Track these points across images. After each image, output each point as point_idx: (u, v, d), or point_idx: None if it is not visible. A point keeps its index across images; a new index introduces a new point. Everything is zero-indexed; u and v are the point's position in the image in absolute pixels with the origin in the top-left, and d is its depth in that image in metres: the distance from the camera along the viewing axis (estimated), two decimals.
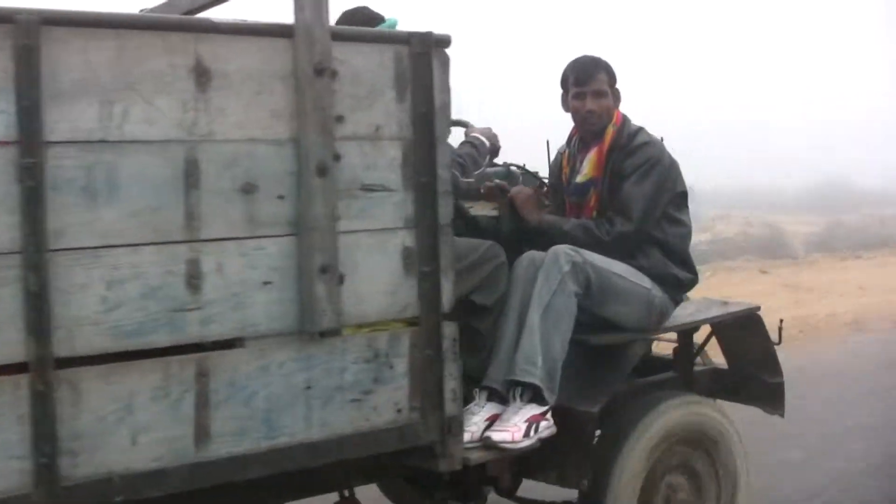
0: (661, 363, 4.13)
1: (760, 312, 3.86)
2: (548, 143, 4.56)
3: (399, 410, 2.73)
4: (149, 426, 2.31)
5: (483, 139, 3.66)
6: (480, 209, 3.48)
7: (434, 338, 2.76)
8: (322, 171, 2.49)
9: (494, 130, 4.08)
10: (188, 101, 2.33)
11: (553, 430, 3.10)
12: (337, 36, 2.56)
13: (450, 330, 2.81)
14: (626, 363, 3.40)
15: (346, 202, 2.59)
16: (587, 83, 3.43)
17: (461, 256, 3.11)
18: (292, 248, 2.49)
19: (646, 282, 3.42)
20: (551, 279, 3.14)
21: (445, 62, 2.78)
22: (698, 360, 4.17)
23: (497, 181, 3.52)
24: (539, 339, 3.08)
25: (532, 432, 3.02)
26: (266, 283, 2.46)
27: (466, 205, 3.52)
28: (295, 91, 2.47)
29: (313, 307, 2.50)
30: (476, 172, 3.70)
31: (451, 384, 2.82)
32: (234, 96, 2.39)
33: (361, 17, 3.56)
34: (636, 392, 3.70)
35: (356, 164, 2.61)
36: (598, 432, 3.42)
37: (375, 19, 3.56)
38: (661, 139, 3.56)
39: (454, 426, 2.84)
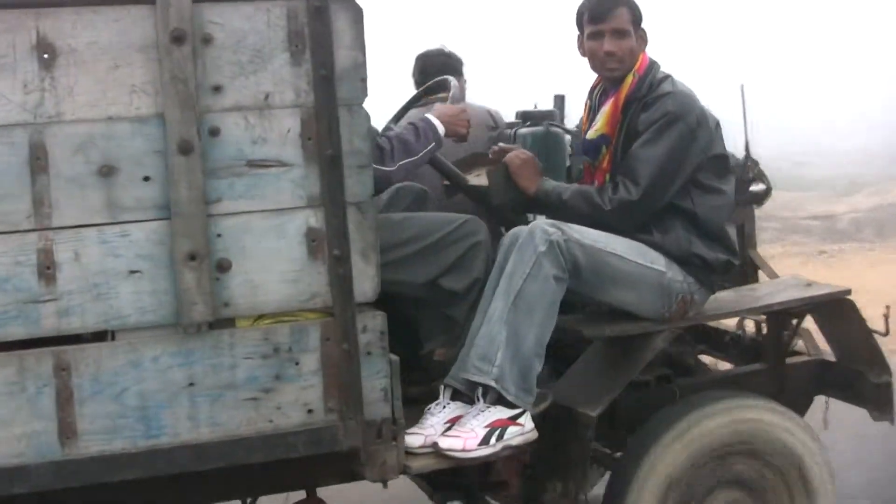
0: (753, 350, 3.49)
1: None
2: (562, 98, 4.02)
3: (310, 411, 2.46)
4: (6, 421, 2.25)
5: (434, 121, 2.96)
6: (479, 178, 3.08)
7: (351, 330, 2.45)
8: (185, 149, 2.27)
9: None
10: (31, 81, 2.21)
11: (528, 437, 2.66)
12: None
13: (374, 321, 2.49)
14: (638, 359, 2.86)
15: (229, 181, 2.35)
16: (604, 20, 2.88)
17: (425, 234, 2.78)
18: (163, 235, 2.31)
19: (659, 262, 2.84)
20: (524, 261, 2.67)
21: (356, 15, 2.44)
22: (801, 346, 3.47)
23: (501, 145, 3.08)
24: (501, 332, 2.63)
25: (494, 440, 2.61)
26: (133, 271, 2.30)
27: (473, 173, 3.14)
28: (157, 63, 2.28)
29: (181, 298, 2.31)
30: (495, 133, 3.28)
31: (380, 382, 2.50)
32: (86, 73, 2.24)
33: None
34: (683, 392, 3.14)
35: (240, 137, 2.36)
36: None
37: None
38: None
39: (386, 430, 2.52)
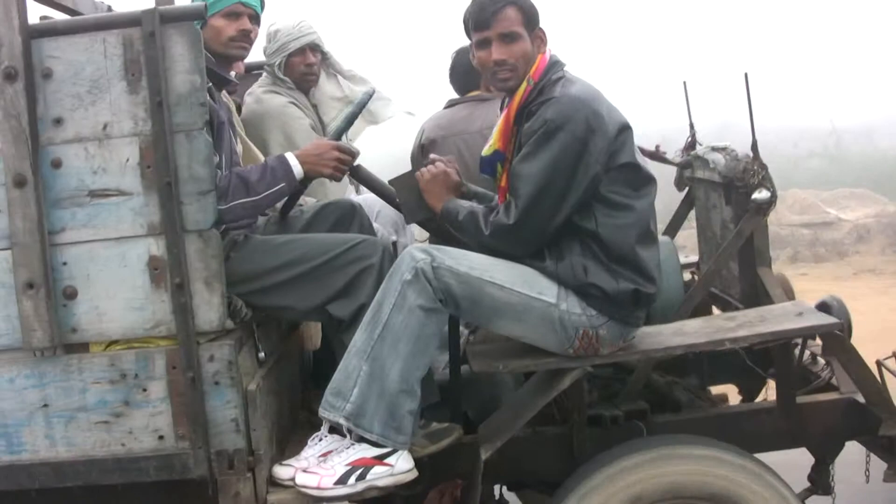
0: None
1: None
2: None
3: (161, 437, 2.50)
4: None
5: (291, 162, 2.73)
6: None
7: (195, 359, 2.46)
8: (19, 182, 2.38)
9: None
10: None
11: (400, 478, 2.51)
12: (46, 31, 2.41)
13: (222, 351, 2.47)
14: (539, 398, 2.57)
15: (72, 211, 2.44)
16: (489, 25, 2.55)
17: (310, 257, 2.69)
18: (9, 264, 2.45)
19: (549, 293, 2.51)
20: (391, 290, 2.48)
21: (194, 38, 2.41)
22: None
23: (433, 156, 2.87)
24: (361, 367, 2.47)
25: (353, 479, 2.48)
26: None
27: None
28: None
29: (23, 324, 2.43)
30: None
31: (230, 412, 2.49)
32: None
33: None
34: (653, 430, 2.81)
35: (81, 168, 2.43)
36: None
37: None
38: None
39: (239, 461, 2.51)
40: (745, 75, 3.37)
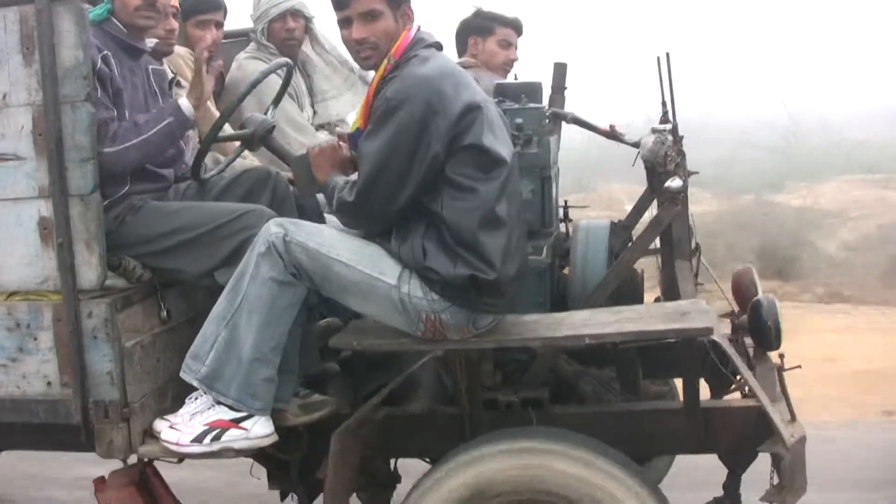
0: None
1: None
2: (563, 67, 3.59)
3: (49, 384, 2.75)
4: None
5: (181, 101, 2.91)
6: None
7: (73, 314, 2.69)
8: None
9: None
10: None
11: (255, 442, 2.65)
12: None
13: (99, 308, 2.69)
14: (383, 379, 2.62)
15: None
16: (349, 4, 2.57)
17: (199, 224, 2.85)
18: None
19: (391, 274, 2.54)
20: (249, 261, 2.60)
21: (79, 15, 2.61)
22: None
23: (338, 130, 2.94)
24: (219, 333, 2.60)
25: (209, 439, 2.64)
26: None
27: None
28: None
29: None
30: None
31: (106, 366, 2.70)
32: None
33: None
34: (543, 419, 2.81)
35: None
36: None
37: None
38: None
39: (113, 411, 2.72)
40: (668, 55, 3.26)
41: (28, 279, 2.73)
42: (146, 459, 2.92)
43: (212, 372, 2.65)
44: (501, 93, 3.49)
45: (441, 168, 2.51)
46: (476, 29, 4.24)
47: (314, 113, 4.13)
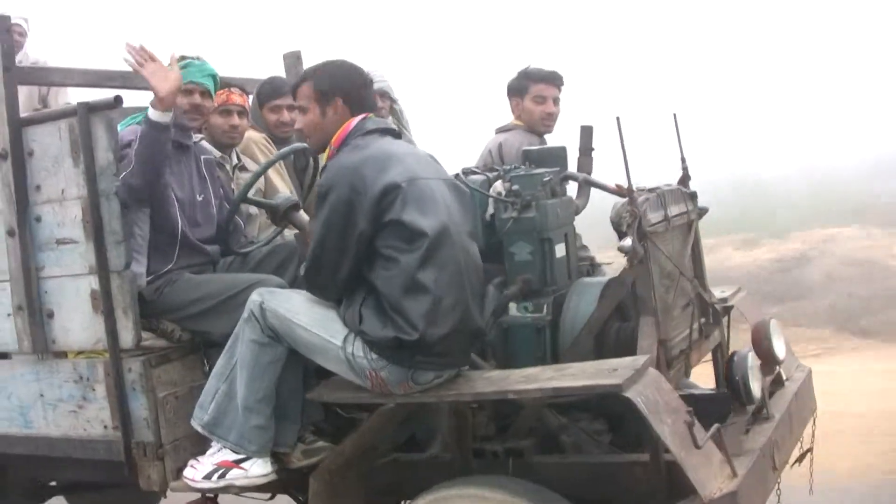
0: None
1: None
2: (590, 130, 3.75)
3: (105, 427, 3.36)
4: None
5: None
6: None
7: (117, 370, 3.28)
8: (11, 233, 3.38)
9: None
10: None
11: (254, 480, 3.08)
12: (28, 122, 3.37)
13: (135, 364, 3.26)
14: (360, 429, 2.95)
15: (47, 254, 3.39)
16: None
17: (217, 293, 3.35)
18: None
19: (339, 336, 2.87)
20: (239, 326, 3.06)
21: (109, 124, 3.22)
22: None
23: None
24: (219, 385, 3.06)
25: (216, 477, 3.10)
26: (9, 314, 3.50)
27: None
28: None
29: (17, 338, 3.44)
30: None
31: (144, 413, 3.27)
32: None
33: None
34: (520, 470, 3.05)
35: (51, 222, 3.36)
36: None
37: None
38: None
39: (150, 451, 3.28)
40: (674, 115, 3.36)
41: (86, 340, 3.37)
42: (211, 495, 3.46)
43: (213, 419, 3.13)
44: (527, 158, 3.76)
45: (371, 242, 2.85)
46: (515, 90, 4.47)
47: None
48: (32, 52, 5.69)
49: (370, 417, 3.03)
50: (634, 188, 3.48)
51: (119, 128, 3.48)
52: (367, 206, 2.83)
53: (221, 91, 3.91)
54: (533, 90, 4.47)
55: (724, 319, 3.72)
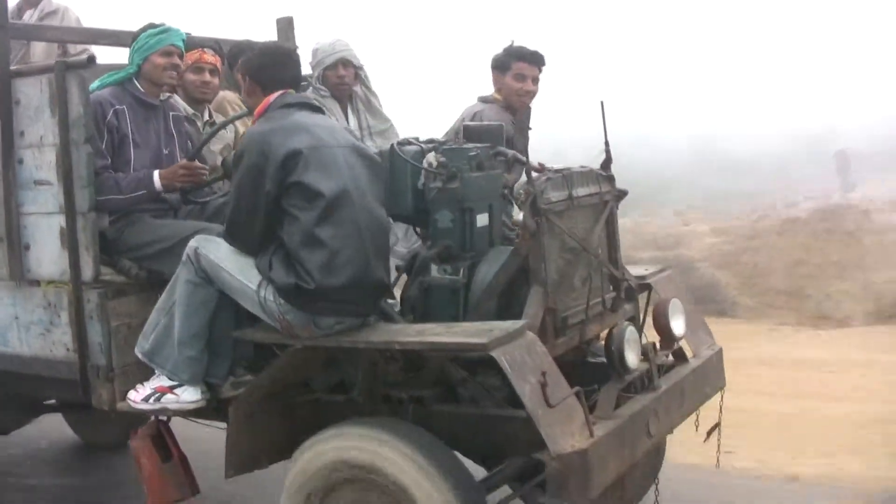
0: None
1: None
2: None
3: (68, 350, 3.83)
4: None
5: (154, 177, 3.86)
6: None
7: (77, 300, 3.74)
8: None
9: None
10: None
11: (184, 405, 3.53)
12: (17, 74, 3.82)
13: (92, 295, 3.71)
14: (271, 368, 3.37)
15: (26, 193, 3.85)
16: None
17: (170, 236, 3.78)
18: None
19: (254, 281, 3.29)
20: (179, 266, 3.49)
21: (82, 81, 3.65)
22: None
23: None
24: (160, 319, 3.51)
25: (152, 400, 3.55)
26: None
27: None
28: None
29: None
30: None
31: (97, 339, 3.73)
32: None
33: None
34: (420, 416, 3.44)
35: (31, 165, 3.82)
36: None
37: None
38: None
39: (102, 373, 3.74)
40: (601, 103, 3.66)
41: (54, 272, 3.83)
42: (164, 418, 3.93)
43: (152, 349, 3.58)
44: (465, 133, 4.10)
45: (278, 202, 3.25)
46: (498, 65, 4.79)
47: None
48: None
49: (280, 357, 3.43)
50: (548, 167, 3.82)
51: (97, 83, 3.93)
52: (272, 170, 3.23)
53: (195, 50, 4.34)
54: (515, 67, 4.79)
55: (643, 296, 4.05)
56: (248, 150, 3.28)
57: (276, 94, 3.45)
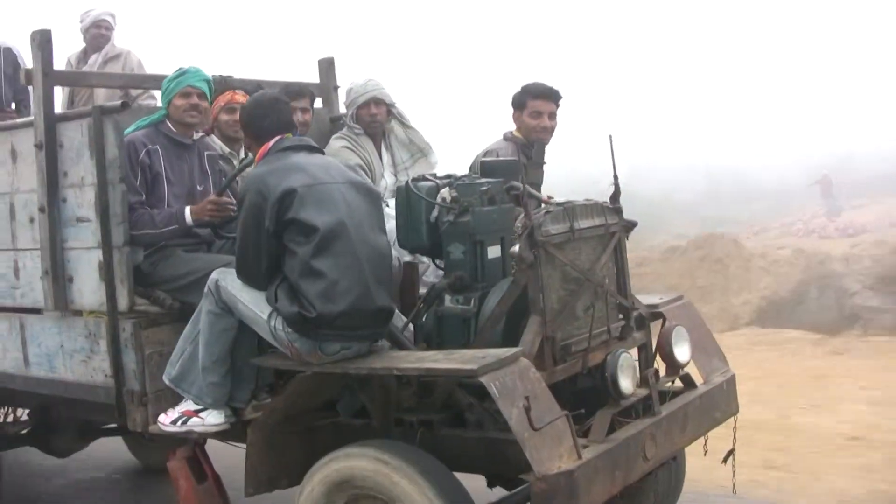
0: None
1: None
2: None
3: (106, 375, 4.12)
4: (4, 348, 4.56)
5: (185, 212, 4.15)
6: None
7: (114, 329, 4.02)
8: (42, 210, 4.18)
9: None
10: (8, 171, 4.41)
11: (209, 428, 3.76)
12: (61, 118, 4.16)
13: (127, 325, 4.00)
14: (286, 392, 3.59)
15: (70, 230, 4.16)
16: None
17: (199, 269, 4.04)
18: None
19: (265, 312, 3.51)
20: (203, 297, 3.75)
21: (116, 125, 3.96)
22: None
23: None
24: (186, 347, 3.76)
25: (180, 423, 3.79)
26: (40, 277, 4.32)
27: None
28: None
29: (45, 297, 4.25)
30: None
31: (132, 365, 4.01)
32: (27, 167, 4.32)
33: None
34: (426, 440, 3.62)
35: (73, 203, 4.14)
36: None
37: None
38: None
39: (136, 397, 4.01)
40: (610, 137, 3.81)
41: (94, 302, 4.13)
42: (201, 441, 4.20)
43: (179, 375, 3.83)
44: (482, 168, 4.29)
45: (280, 238, 3.49)
46: (516, 103, 4.94)
47: (395, 179, 5.16)
48: (118, 43, 6.60)
49: (291, 382, 3.65)
50: (554, 200, 3.98)
51: (133, 126, 4.24)
52: (270, 208, 3.48)
53: (228, 92, 4.64)
54: (530, 105, 4.93)
55: (655, 324, 4.16)
56: (249, 192, 3.55)
57: (273, 140, 3.73)
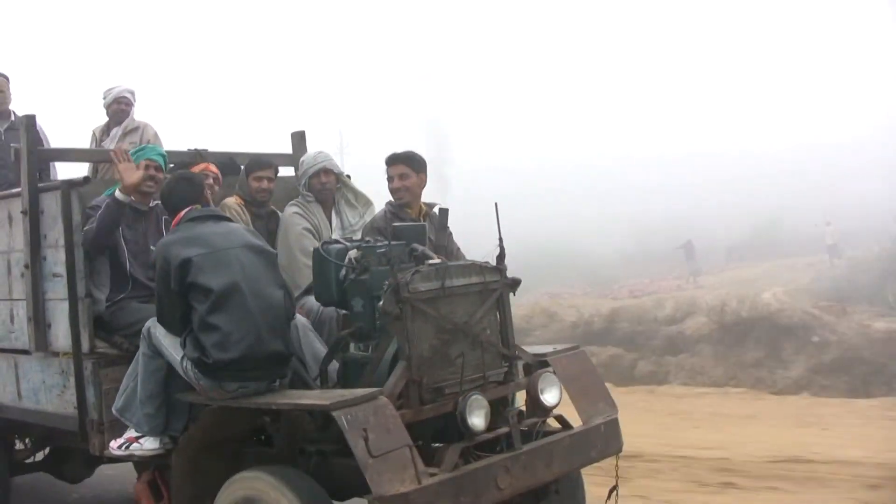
0: None
1: None
2: None
3: (74, 407, 4.90)
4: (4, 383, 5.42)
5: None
6: None
7: (78, 368, 4.82)
8: (27, 266, 5.03)
9: None
10: (6, 232, 5.29)
11: (146, 452, 4.49)
12: (42, 189, 5.01)
13: (89, 364, 4.78)
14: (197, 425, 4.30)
15: (49, 283, 4.99)
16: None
17: (146, 318, 4.79)
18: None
19: (179, 354, 4.21)
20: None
21: (80, 196, 4.78)
22: None
23: None
24: (129, 382, 4.50)
25: (124, 448, 4.53)
26: (25, 324, 5.16)
27: None
28: None
29: (29, 340, 5.09)
30: None
31: (92, 399, 4.78)
32: (21, 230, 5.19)
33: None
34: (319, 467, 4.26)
35: (51, 261, 4.97)
36: None
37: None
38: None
39: (95, 426, 4.78)
40: (496, 205, 4.42)
41: (66, 345, 4.93)
42: (161, 466, 4.95)
43: (123, 406, 4.57)
44: (393, 232, 4.93)
45: (185, 296, 4.19)
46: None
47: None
48: (137, 117, 7.50)
49: (201, 414, 4.36)
50: (435, 262, 4.59)
51: (106, 193, 5.06)
52: (173, 272, 4.20)
53: (202, 164, 5.45)
54: (388, 172, 5.51)
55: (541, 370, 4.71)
56: (158, 258, 4.30)
57: (184, 211, 4.47)
